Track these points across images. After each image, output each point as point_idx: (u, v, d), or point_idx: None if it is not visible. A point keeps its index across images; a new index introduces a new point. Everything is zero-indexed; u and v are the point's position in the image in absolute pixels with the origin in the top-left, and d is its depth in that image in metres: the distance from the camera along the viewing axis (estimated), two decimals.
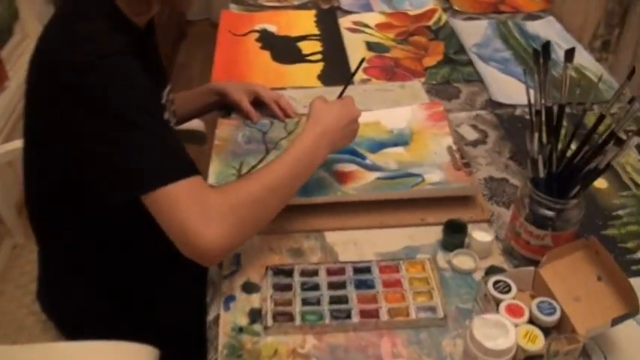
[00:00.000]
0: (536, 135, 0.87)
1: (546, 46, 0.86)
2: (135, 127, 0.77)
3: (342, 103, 1.00)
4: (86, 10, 0.82)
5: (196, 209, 0.77)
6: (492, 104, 1.31)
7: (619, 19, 2.05)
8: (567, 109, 0.85)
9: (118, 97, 0.77)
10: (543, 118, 0.87)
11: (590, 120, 1.19)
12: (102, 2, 0.84)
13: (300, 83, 1.38)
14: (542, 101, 0.87)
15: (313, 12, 1.70)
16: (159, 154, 0.78)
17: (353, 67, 1.42)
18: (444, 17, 1.65)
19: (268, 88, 1.28)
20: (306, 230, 0.99)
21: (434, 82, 1.39)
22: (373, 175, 1.09)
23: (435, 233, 0.98)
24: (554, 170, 0.87)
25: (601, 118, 0.85)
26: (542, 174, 0.85)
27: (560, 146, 0.88)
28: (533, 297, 0.87)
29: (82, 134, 0.77)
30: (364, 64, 1.10)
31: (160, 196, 0.77)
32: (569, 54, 0.87)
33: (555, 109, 0.87)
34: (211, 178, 1.09)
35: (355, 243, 0.97)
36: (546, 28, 1.62)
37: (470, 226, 0.96)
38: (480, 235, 0.94)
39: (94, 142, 0.77)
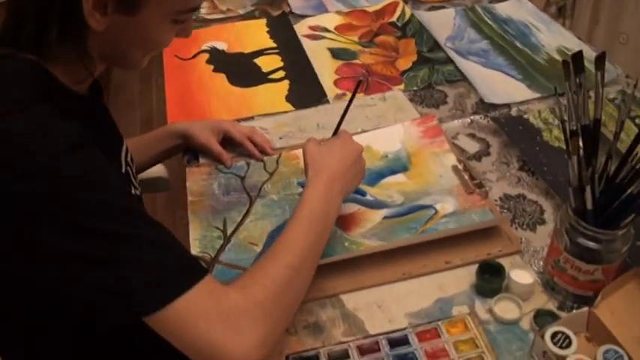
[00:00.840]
0: (575, 159, 0.75)
1: (578, 56, 0.74)
2: (118, 237, 0.61)
3: (340, 142, 0.87)
4: (16, 96, 0.64)
5: (218, 319, 0.63)
6: (484, 106, 1.20)
7: None
8: (563, 100, 0.73)
9: (87, 204, 0.60)
10: (580, 141, 0.75)
11: (591, 109, 1.10)
12: (34, 80, 0.67)
13: (268, 109, 1.23)
14: (577, 118, 0.74)
15: (263, 21, 1.55)
16: (156, 263, 0.63)
17: (323, 81, 1.28)
18: (408, 10, 1.52)
19: (237, 124, 1.12)
20: (320, 297, 0.85)
21: (415, 88, 1.26)
22: (379, 215, 0.96)
23: (466, 276, 0.87)
24: (596, 197, 0.76)
25: None
26: (590, 205, 0.74)
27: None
28: (589, 340, 0.77)
29: (48, 256, 0.61)
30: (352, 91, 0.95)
31: (169, 314, 0.62)
32: (600, 61, 0.75)
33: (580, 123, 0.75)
34: (194, 246, 0.93)
35: (380, 305, 0.84)
36: (518, 9, 1.52)
37: (506, 265, 0.84)
38: (520, 275, 0.83)
39: (68, 265, 0.61)
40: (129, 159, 0.92)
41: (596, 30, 1.97)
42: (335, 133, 0.91)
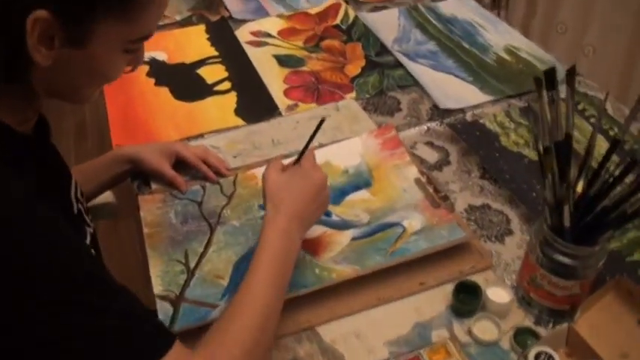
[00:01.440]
0: (550, 177, 0.75)
1: (551, 73, 0.73)
2: (85, 309, 0.56)
3: (301, 174, 0.83)
4: None
5: None
6: (439, 112, 1.20)
7: None
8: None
9: (48, 275, 0.55)
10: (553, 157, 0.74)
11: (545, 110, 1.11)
12: None
13: (217, 124, 1.18)
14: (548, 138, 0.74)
15: (202, 27, 1.49)
16: (127, 336, 0.58)
17: (272, 91, 1.25)
18: (352, 12, 1.49)
19: (189, 145, 1.07)
20: (295, 331, 0.82)
21: (367, 96, 1.24)
22: (347, 236, 0.94)
23: (441, 297, 0.86)
24: (571, 212, 0.76)
25: (615, 144, 0.74)
26: (568, 223, 0.74)
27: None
28: (569, 355, 0.78)
29: (6, 332, 0.55)
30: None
31: None
32: (570, 76, 0.75)
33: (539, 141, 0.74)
34: (157, 284, 0.89)
35: (357, 334, 0.82)
36: (461, 7, 1.52)
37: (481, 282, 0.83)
38: (497, 294, 0.83)
39: (27, 344, 0.55)
40: (79, 195, 0.86)
41: (534, 20, 1.99)
42: (298, 159, 0.87)
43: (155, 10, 0.66)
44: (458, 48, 1.36)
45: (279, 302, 0.75)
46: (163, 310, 0.85)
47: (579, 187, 0.77)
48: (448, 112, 1.19)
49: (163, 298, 0.87)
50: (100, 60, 0.66)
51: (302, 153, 0.87)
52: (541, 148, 0.75)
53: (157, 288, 0.88)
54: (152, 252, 0.94)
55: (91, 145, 1.90)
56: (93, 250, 0.80)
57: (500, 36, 1.39)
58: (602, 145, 1.05)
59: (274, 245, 0.76)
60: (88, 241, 0.81)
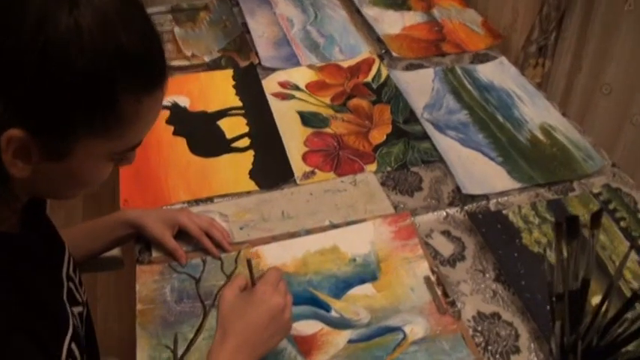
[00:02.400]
0: (559, 325, 0.70)
1: (573, 221, 0.68)
2: None
3: (256, 297, 0.79)
4: None
5: None
6: (461, 196, 1.15)
7: (555, 23, 1.93)
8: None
9: None
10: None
11: (575, 207, 1.06)
12: None
13: (229, 187, 1.16)
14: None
15: (230, 72, 1.47)
16: None
17: (290, 154, 1.23)
18: (384, 70, 1.45)
19: (194, 215, 1.05)
20: None
21: (388, 169, 1.20)
22: (344, 337, 0.91)
23: None
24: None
25: (634, 299, 0.69)
26: None
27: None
28: None
29: None
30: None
31: None
32: (596, 219, 0.70)
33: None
34: None
35: None
36: (500, 73, 1.46)
37: None
38: None
39: None
40: (71, 272, 0.85)
41: (579, 76, 1.92)
42: (253, 281, 0.83)
43: (142, 124, 0.64)
44: (491, 120, 1.31)
45: None
46: None
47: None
48: (471, 196, 1.14)
49: None
50: (82, 171, 0.65)
51: (252, 278, 0.83)
52: (553, 293, 0.70)
53: None
54: (142, 331, 0.92)
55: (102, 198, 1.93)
56: (82, 329, 0.79)
57: (537, 111, 1.33)
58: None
59: None
60: (76, 322, 0.79)
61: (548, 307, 0.94)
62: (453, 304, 0.94)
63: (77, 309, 0.83)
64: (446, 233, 1.08)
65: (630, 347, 0.68)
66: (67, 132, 0.59)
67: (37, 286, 0.72)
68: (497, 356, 0.90)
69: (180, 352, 0.90)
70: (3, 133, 0.56)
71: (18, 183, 0.63)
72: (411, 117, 1.33)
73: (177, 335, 0.92)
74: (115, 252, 1.17)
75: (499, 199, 1.14)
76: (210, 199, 1.15)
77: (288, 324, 0.81)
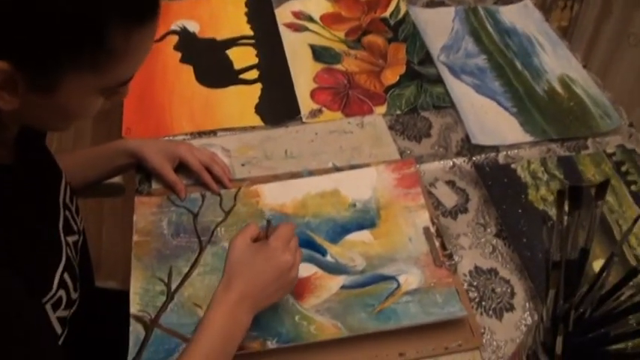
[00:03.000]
0: (552, 293, 0.69)
1: (576, 191, 0.66)
2: None
3: (267, 252, 0.78)
4: None
5: None
6: (470, 146, 1.13)
7: None
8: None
9: None
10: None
11: (586, 166, 1.04)
12: None
13: (234, 121, 1.15)
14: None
15: None
16: None
17: (298, 90, 1.21)
18: (404, 6, 1.40)
19: (195, 149, 1.04)
20: None
21: (398, 112, 1.18)
22: (337, 283, 0.91)
23: None
24: (570, 331, 0.71)
25: (634, 273, 0.68)
26: (560, 350, 0.69)
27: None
28: None
29: None
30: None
31: None
32: (601, 190, 0.68)
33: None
34: (134, 302, 0.89)
35: None
36: (524, 16, 1.41)
37: None
38: None
39: None
40: (67, 200, 0.85)
41: (607, 24, 1.85)
42: (266, 234, 0.82)
43: (132, 59, 0.62)
44: (509, 67, 1.27)
45: None
46: (135, 333, 0.85)
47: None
48: (480, 147, 1.12)
49: (138, 319, 0.87)
50: (71, 104, 0.63)
51: (267, 230, 0.82)
52: (550, 260, 0.69)
53: (134, 307, 0.88)
54: (137, 263, 0.93)
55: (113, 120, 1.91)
56: (76, 258, 0.80)
57: (558, 62, 1.29)
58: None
59: (217, 327, 0.74)
60: (70, 252, 0.80)
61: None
62: (450, 256, 0.94)
63: (72, 238, 0.84)
64: (450, 183, 1.07)
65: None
66: (53, 65, 0.58)
67: (30, 217, 0.72)
68: (490, 312, 0.91)
69: (173, 286, 0.91)
70: None
71: (6, 114, 0.62)
72: (427, 58, 1.29)
73: (172, 269, 0.93)
74: (117, 179, 1.17)
75: (509, 152, 1.12)
76: (213, 132, 1.13)
77: (294, 281, 0.80)
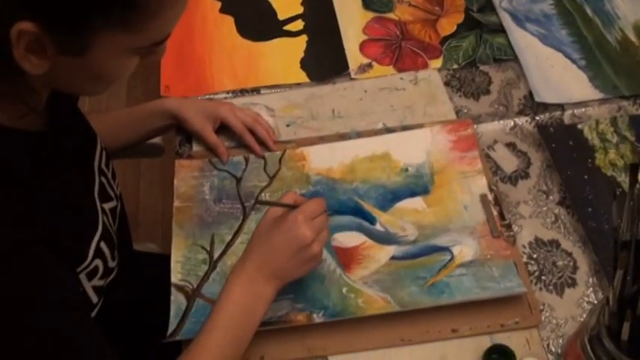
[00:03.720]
0: (620, 274, 0.68)
1: None
2: None
3: (287, 225, 0.78)
4: None
5: None
6: (533, 105, 1.10)
7: None
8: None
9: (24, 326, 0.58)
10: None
11: None
12: None
13: (278, 78, 1.15)
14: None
15: None
16: None
17: (347, 42, 1.20)
18: None
19: (237, 109, 1.05)
20: (305, 357, 0.85)
21: (455, 66, 1.15)
22: (387, 253, 0.92)
23: (473, 350, 0.84)
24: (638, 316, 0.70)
25: None
26: (626, 336, 0.69)
27: None
28: None
29: None
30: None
31: None
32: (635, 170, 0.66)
33: None
34: (175, 271, 0.91)
35: None
36: None
37: (517, 352, 0.81)
38: None
39: None
40: (103, 165, 0.87)
41: None
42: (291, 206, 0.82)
43: (165, 18, 0.62)
44: (578, 14, 1.22)
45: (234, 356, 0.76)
46: (176, 303, 0.88)
47: None
48: (544, 105, 1.09)
49: (180, 288, 0.90)
50: (104, 66, 0.64)
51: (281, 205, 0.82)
52: (619, 240, 0.68)
53: (175, 276, 0.91)
54: (178, 230, 0.95)
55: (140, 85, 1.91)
56: (113, 226, 0.83)
57: (632, 6, 1.23)
58: None
59: (235, 300, 0.76)
60: (107, 220, 0.82)
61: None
62: (508, 227, 0.93)
63: (109, 204, 0.86)
64: (511, 146, 1.05)
65: None
66: (82, 25, 0.58)
67: (64, 187, 0.74)
68: (551, 288, 0.90)
69: (216, 255, 0.93)
70: (12, 25, 0.55)
71: (36, 79, 0.63)
72: (487, 5, 1.26)
73: (214, 236, 0.94)
74: (156, 139, 1.18)
75: (575, 111, 1.09)
76: (256, 90, 1.13)
77: (318, 258, 0.80)
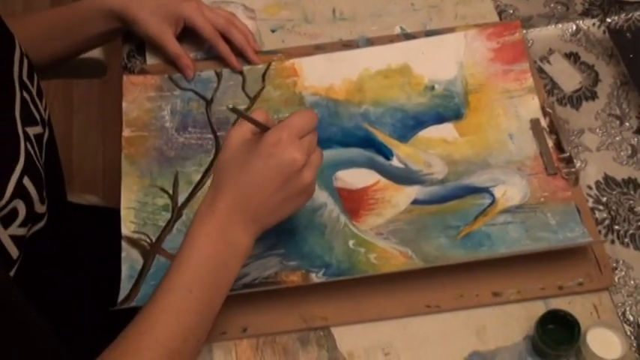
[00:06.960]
0: None
1: None
2: None
3: (265, 148, 0.75)
4: None
5: None
6: (603, 2, 1.11)
7: None
8: None
9: None
10: None
11: None
12: None
13: None
14: None
15: None
16: None
17: None
18: None
19: (206, 7, 1.04)
20: (301, 329, 0.85)
21: None
22: (407, 196, 0.93)
23: (521, 320, 0.85)
24: None
25: None
26: None
27: None
28: None
29: None
30: None
31: None
32: None
33: None
34: (126, 220, 0.92)
35: (387, 351, 0.83)
36: None
37: (582, 321, 0.80)
38: (604, 340, 0.81)
39: None
40: (24, 77, 0.87)
41: None
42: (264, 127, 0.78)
43: None
44: None
45: (203, 324, 0.76)
46: (130, 262, 0.89)
47: None
48: (618, 2, 1.09)
49: (133, 243, 0.90)
50: None
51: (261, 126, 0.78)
52: None
53: (127, 226, 0.91)
54: (129, 167, 0.96)
55: None
56: (40, 159, 0.83)
57: None
58: None
59: (203, 253, 0.75)
60: (32, 149, 0.82)
61: None
62: (569, 161, 0.93)
63: (34, 130, 0.85)
64: (572, 57, 1.06)
65: None
66: None
67: None
68: (627, 240, 0.91)
69: (181, 199, 0.93)
70: None
71: None
72: None
73: (179, 175, 0.95)
74: (96, 52, 1.18)
75: None
76: None
77: (308, 190, 0.78)
